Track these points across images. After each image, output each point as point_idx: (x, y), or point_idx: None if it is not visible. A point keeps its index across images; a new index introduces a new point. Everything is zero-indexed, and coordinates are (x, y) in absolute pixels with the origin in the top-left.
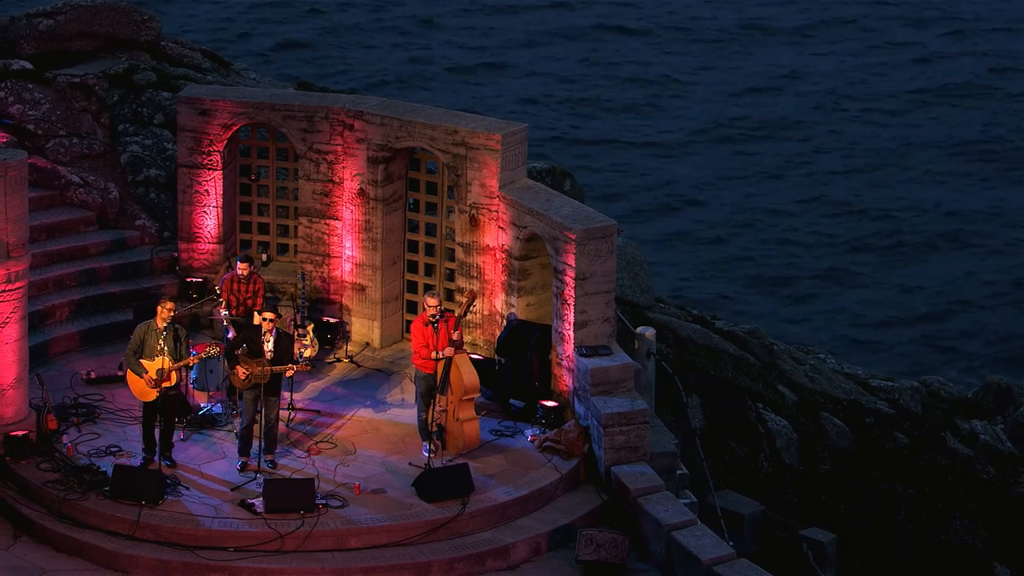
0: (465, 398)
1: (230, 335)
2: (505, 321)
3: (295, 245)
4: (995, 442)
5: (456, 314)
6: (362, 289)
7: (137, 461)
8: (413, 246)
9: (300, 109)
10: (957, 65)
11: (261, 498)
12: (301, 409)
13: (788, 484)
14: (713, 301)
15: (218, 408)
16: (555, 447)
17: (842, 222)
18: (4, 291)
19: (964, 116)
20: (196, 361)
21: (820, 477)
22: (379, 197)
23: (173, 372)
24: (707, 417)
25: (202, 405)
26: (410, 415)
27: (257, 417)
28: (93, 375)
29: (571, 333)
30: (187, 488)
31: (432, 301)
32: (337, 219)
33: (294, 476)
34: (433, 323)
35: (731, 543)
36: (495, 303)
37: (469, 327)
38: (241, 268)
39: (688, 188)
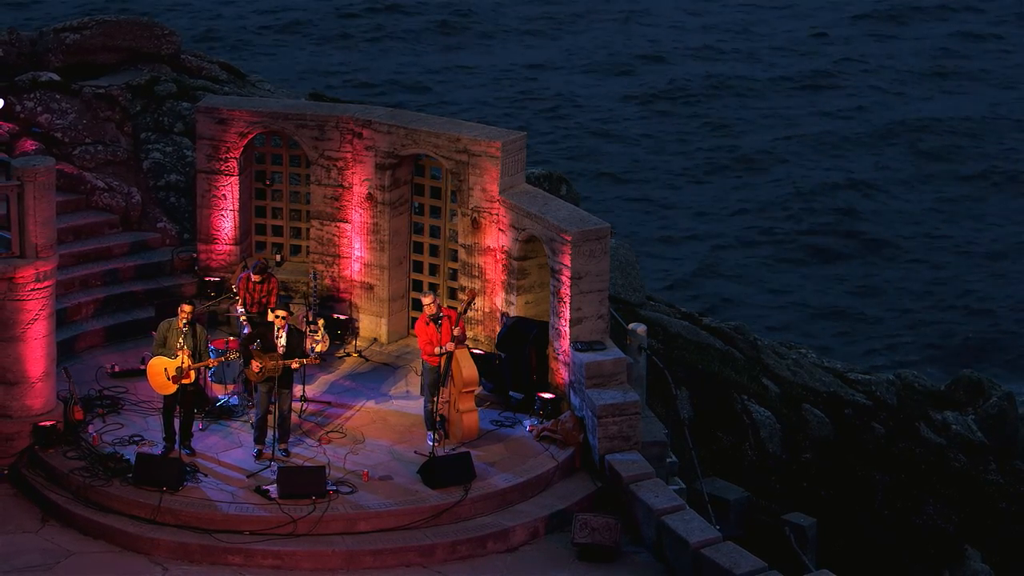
0: (465, 390)
1: (246, 331)
2: (505, 318)
3: (307, 246)
4: (966, 432)
5: (457, 311)
6: (370, 288)
7: (158, 450)
8: (418, 247)
9: (312, 118)
10: None
11: (275, 484)
12: (313, 400)
13: (772, 472)
14: None
15: (234, 400)
16: (552, 437)
17: None
18: (33, 290)
19: None
20: (216, 364)
21: (802, 465)
22: (386, 201)
23: (192, 371)
24: (695, 408)
25: (219, 397)
26: (415, 406)
27: (271, 408)
28: (117, 369)
29: (567, 329)
30: (205, 475)
31: (427, 300)
32: (347, 222)
33: (306, 464)
34: (435, 320)
35: (718, 527)
36: (495, 301)
37: (471, 324)
38: (255, 278)
39: None
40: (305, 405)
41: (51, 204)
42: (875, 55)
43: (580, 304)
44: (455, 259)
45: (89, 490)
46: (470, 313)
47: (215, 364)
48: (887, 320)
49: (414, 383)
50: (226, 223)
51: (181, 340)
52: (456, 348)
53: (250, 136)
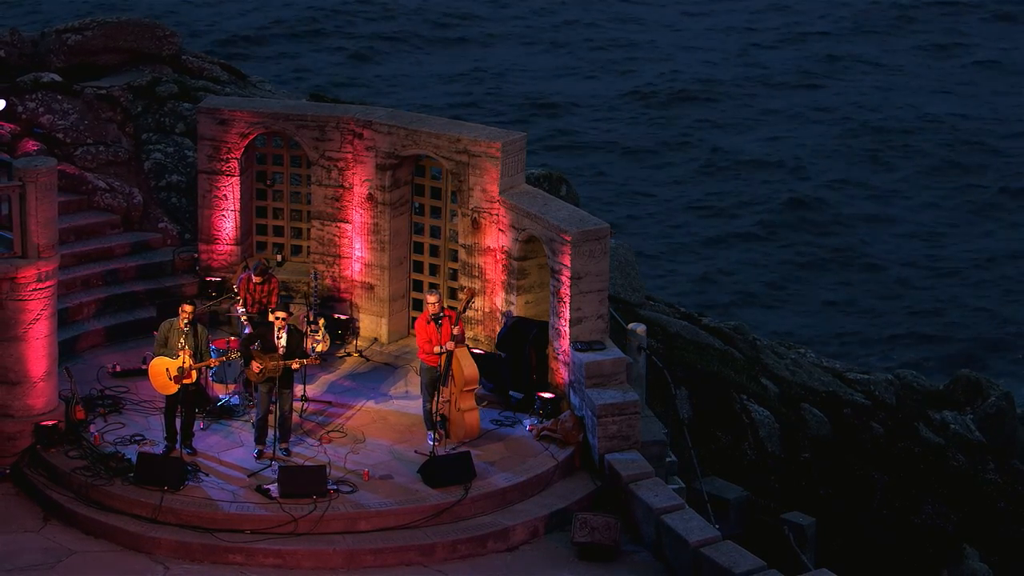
0: (466, 389)
1: (247, 331)
2: (505, 318)
3: (308, 246)
4: (965, 432)
5: (457, 311)
6: (370, 288)
7: (160, 449)
8: (419, 247)
9: (312, 119)
10: None
11: (276, 484)
12: (313, 400)
13: (771, 471)
14: None
15: (235, 399)
16: (552, 436)
17: None
18: (35, 290)
19: None
20: (217, 364)
21: (801, 464)
22: (387, 201)
23: (193, 371)
24: (694, 408)
25: (220, 397)
26: (415, 406)
27: (272, 408)
28: (118, 368)
29: (567, 329)
30: (206, 474)
31: (431, 299)
32: (347, 222)
33: (307, 463)
34: (436, 319)
35: (717, 526)
36: (495, 301)
37: (471, 324)
38: (256, 278)
39: None
40: (306, 405)
41: (53, 204)
42: (874, 54)
43: (580, 304)
44: (455, 259)
45: (91, 489)
46: (469, 313)
47: (216, 364)
48: (887, 319)
49: (414, 383)
50: (227, 223)
51: (182, 340)
52: (456, 347)
53: (251, 137)
